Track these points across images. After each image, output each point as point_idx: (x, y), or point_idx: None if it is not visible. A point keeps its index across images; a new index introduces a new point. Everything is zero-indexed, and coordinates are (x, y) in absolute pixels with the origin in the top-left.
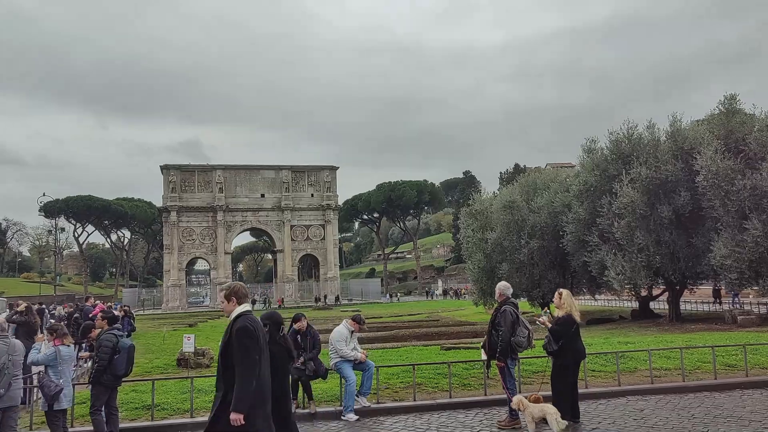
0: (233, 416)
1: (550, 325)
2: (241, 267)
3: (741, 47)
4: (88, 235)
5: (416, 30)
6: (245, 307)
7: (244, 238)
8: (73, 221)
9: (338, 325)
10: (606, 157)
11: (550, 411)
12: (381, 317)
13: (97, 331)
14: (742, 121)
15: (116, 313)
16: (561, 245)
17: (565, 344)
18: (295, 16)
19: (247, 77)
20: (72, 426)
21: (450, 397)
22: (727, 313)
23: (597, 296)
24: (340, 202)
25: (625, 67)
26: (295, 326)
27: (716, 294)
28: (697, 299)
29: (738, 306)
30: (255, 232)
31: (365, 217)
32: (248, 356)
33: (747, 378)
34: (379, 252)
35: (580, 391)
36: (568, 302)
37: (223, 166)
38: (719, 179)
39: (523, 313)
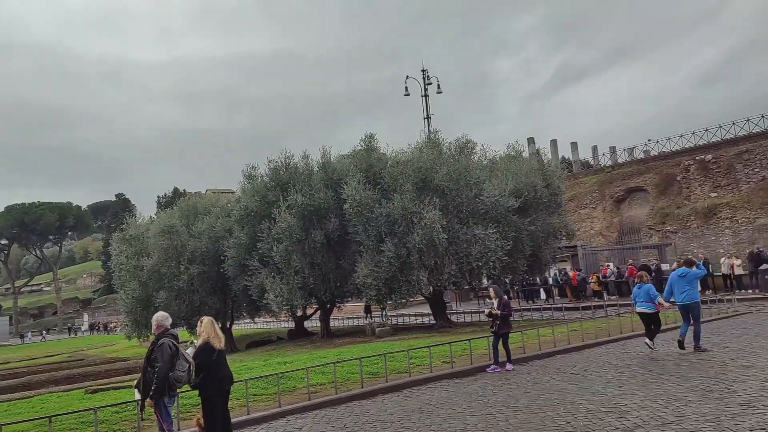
0: None
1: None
2: None
3: (376, 93)
4: None
5: (61, 34)
6: None
7: None
8: None
9: None
10: (266, 183)
11: None
12: (9, 362)
13: None
14: (378, 158)
15: None
16: (222, 270)
17: (208, 374)
18: None
19: None
20: None
21: None
22: (367, 327)
23: (257, 319)
24: None
25: (284, 99)
26: None
27: (367, 309)
28: (344, 315)
29: (385, 319)
30: None
31: None
32: None
33: (387, 383)
34: (8, 285)
35: (241, 418)
36: (207, 330)
37: None
38: (362, 207)
39: (182, 342)
